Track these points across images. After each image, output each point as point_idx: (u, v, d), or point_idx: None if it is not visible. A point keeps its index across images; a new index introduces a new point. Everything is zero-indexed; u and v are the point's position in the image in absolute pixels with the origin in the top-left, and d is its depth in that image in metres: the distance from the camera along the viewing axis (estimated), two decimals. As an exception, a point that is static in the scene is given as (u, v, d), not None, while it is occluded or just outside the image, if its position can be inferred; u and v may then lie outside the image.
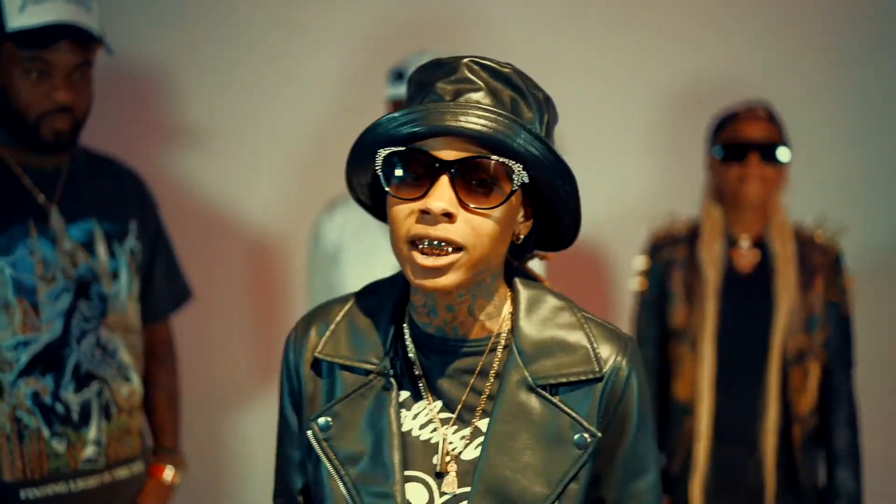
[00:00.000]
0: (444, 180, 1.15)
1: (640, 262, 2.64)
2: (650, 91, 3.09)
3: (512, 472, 1.19)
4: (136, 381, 2.11)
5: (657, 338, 2.60)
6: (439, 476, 1.22)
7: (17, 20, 1.87)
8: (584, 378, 1.22)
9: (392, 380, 1.24)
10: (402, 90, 2.40)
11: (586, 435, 1.21)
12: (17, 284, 1.93)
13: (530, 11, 3.05)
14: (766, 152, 2.46)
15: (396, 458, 1.20)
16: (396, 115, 1.17)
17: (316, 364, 1.28)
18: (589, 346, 1.24)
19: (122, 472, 2.06)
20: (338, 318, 1.29)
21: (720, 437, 2.49)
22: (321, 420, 1.23)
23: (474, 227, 1.16)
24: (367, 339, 1.26)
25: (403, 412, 1.25)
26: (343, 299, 1.33)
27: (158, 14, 2.85)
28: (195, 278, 2.49)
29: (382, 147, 1.18)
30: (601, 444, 1.23)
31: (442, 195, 1.14)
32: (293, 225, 2.98)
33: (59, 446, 1.95)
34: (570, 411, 1.21)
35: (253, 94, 2.96)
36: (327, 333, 1.28)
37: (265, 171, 2.99)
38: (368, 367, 1.24)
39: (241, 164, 2.97)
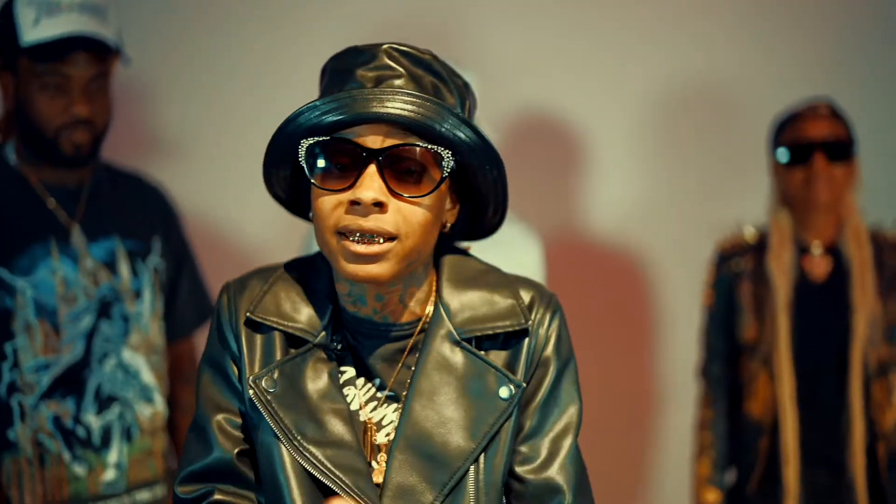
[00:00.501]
0: (371, 169, 1.13)
1: (708, 274, 2.59)
2: (650, 92, 3.06)
3: (434, 425, 1.18)
4: (159, 402, 2.09)
5: (727, 353, 2.54)
6: (371, 455, 1.21)
7: (32, 34, 1.87)
8: (510, 330, 1.23)
9: (333, 353, 1.23)
10: None
11: (511, 387, 1.21)
12: (38, 306, 1.92)
13: (526, 17, 3.03)
14: (833, 151, 2.39)
15: (352, 432, 1.19)
16: (318, 103, 1.14)
17: (250, 324, 1.23)
18: (514, 301, 1.25)
19: (143, 496, 2.04)
20: (270, 283, 1.26)
21: (803, 458, 2.42)
22: (265, 381, 1.19)
23: (405, 215, 1.15)
24: (303, 307, 1.23)
25: (345, 389, 1.23)
26: (265, 270, 1.30)
27: (150, 25, 2.85)
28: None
29: (304, 137, 1.16)
30: (524, 394, 1.24)
31: (371, 184, 1.12)
32: (288, 233, 2.90)
33: (79, 470, 1.94)
34: (495, 364, 1.22)
35: (245, 104, 2.94)
36: (260, 295, 1.24)
37: (255, 181, 2.99)
38: (307, 336, 1.22)
39: (234, 175, 2.89)
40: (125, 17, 2.84)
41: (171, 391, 2.18)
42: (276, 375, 1.20)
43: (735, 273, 2.52)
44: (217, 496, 1.22)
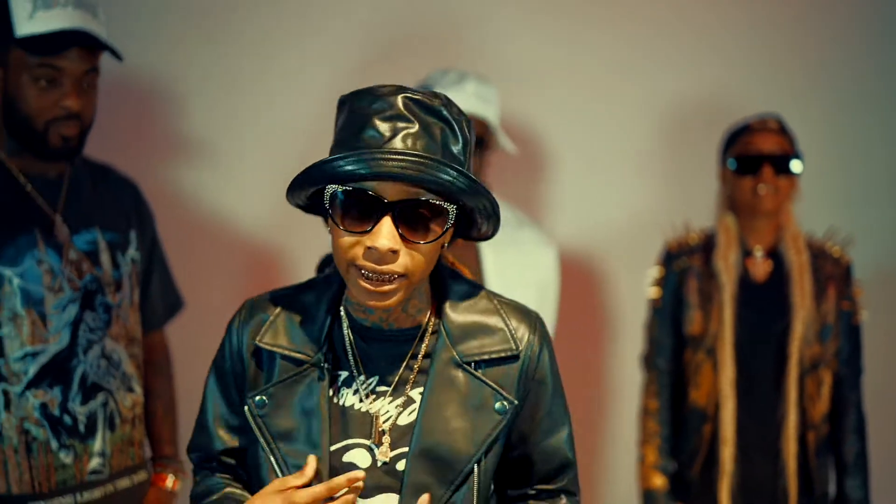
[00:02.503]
0: (387, 220, 1.30)
1: (654, 271, 2.68)
2: (651, 106, 3.15)
3: (443, 434, 1.38)
4: (138, 391, 2.11)
5: (672, 346, 2.64)
6: (373, 445, 1.40)
7: (27, 27, 1.86)
8: (503, 355, 1.43)
9: (325, 370, 1.42)
10: None
11: (505, 403, 1.41)
12: (26, 295, 1.91)
13: (528, 29, 3.10)
14: (779, 164, 2.50)
15: (325, 437, 1.38)
16: (341, 161, 1.30)
17: (257, 351, 1.44)
18: (506, 328, 1.44)
19: (124, 483, 2.06)
20: (276, 311, 1.46)
21: (741, 443, 2.54)
22: (258, 398, 1.41)
23: (413, 257, 1.33)
24: (304, 332, 1.43)
25: (344, 389, 1.42)
26: (283, 292, 1.50)
27: (155, 26, 2.87)
28: (191, 288, 2.50)
29: (328, 181, 1.32)
30: (519, 411, 1.44)
31: (387, 233, 1.30)
32: (286, 235, 3.00)
33: (66, 458, 1.95)
34: (491, 383, 1.42)
35: (248, 106, 2.99)
36: (266, 324, 1.44)
37: (259, 183, 3.02)
38: (303, 357, 1.42)
39: (236, 175, 3.00)
40: (132, 21, 2.83)
41: (144, 381, 2.19)
42: (269, 393, 1.41)
43: (683, 270, 2.62)
44: (217, 476, 1.50)
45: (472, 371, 1.41)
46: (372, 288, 1.32)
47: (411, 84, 2.58)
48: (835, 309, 2.55)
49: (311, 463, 1.36)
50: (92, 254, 2.02)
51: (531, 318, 1.47)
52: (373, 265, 1.31)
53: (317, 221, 2.79)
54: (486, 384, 1.41)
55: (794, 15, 3.14)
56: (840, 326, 2.56)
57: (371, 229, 1.31)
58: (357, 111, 1.34)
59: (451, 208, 1.33)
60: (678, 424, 2.63)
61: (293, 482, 1.35)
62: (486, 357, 1.42)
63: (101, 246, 2.04)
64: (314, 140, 2.98)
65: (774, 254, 2.57)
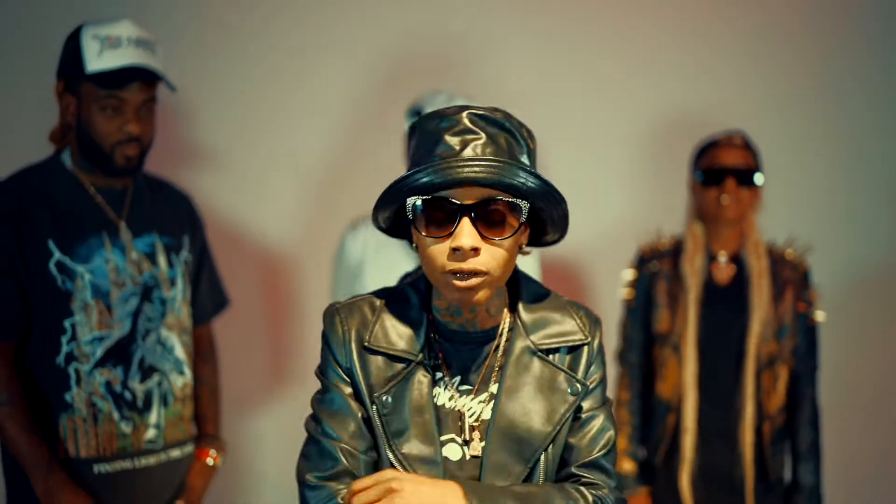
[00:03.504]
0: (466, 221, 1.40)
1: (628, 273, 2.81)
2: (631, 122, 3.27)
3: (520, 415, 1.49)
4: (188, 374, 2.37)
5: (643, 342, 2.77)
6: (465, 440, 1.50)
7: (97, 63, 2.15)
8: (575, 343, 1.54)
9: (428, 368, 1.51)
10: None
11: (578, 385, 1.52)
12: (95, 288, 2.20)
13: (522, 50, 3.22)
14: (742, 177, 2.64)
15: (435, 431, 1.48)
16: (418, 174, 1.42)
17: (363, 351, 1.51)
18: (575, 320, 1.56)
19: (175, 453, 2.32)
20: (374, 316, 1.53)
21: (703, 432, 2.66)
22: (384, 398, 1.49)
23: (493, 255, 1.43)
24: (405, 335, 1.52)
25: (437, 390, 1.52)
26: (368, 299, 1.57)
27: (175, 46, 2.94)
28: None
29: (409, 194, 1.44)
30: (587, 392, 1.54)
31: (467, 233, 1.40)
32: (297, 240, 3.14)
33: (126, 428, 2.22)
34: (564, 368, 1.52)
35: (262, 116, 3.11)
36: (371, 328, 1.52)
37: (273, 189, 3.15)
38: (409, 357, 1.50)
39: (251, 182, 3.13)
40: (173, 44, 2.84)
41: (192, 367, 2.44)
42: (390, 393, 1.49)
43: (653, 273, 2.74)
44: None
45: (546, 357, 1.51)
46: (462, 285, 1.41)
47: (404, 102, 2.79)
48: (792, 310, 2.66)
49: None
50: (150, 255, 2.29)
51: (592, 314, 1.58)
52: (459, 265, 1.40)
53: (325, 229, 3.02)
54: (560, 368, 1.51)
55: (765, 40, 3.29)
56: (797, 326, 2.67)
57: (452, 231, 1.40)
58: (427, 132, 1.44)
59: (524, 204, 1.42)
60: (648, 414, 2.75)
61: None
62: (558, 344, 1.52)
63: (158, 248, 2.32)
64: (323, 149, 3.15)
65: (737, 259, 2.69)
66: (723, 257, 2.73)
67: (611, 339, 2.87)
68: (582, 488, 1.50)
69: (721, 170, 2.64)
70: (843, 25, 3.35)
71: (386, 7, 3.17)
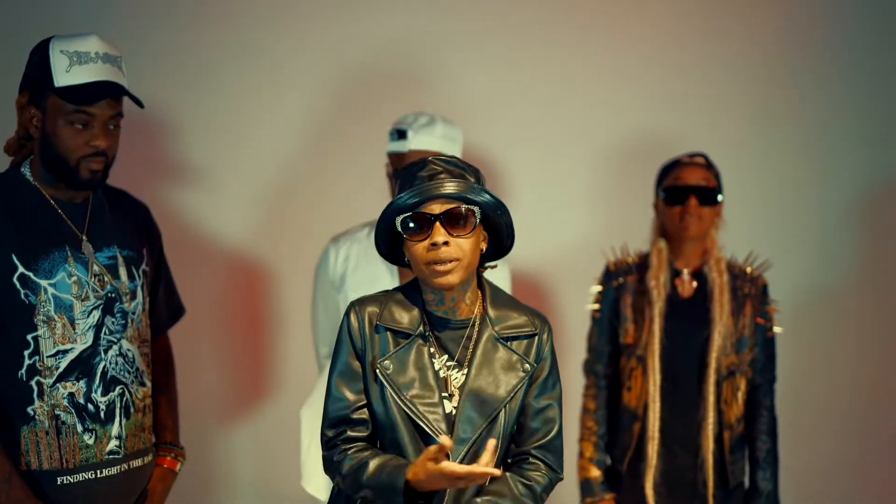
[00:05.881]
0: (437, 225, 1.91)
1: (595, 288, 2.89)
2: (598, 142, 3.37)
3: (486, 384, 1.96)
4: (148, 385, 2.39)
5: (609, 353, 2.85)
6: (449, 397, 1.97)
7: (65, 79, 2.16)
8: (527, 333, 2.02)
9: (426, 337, 1.99)
10: (400, 145, 2.71)
11: (528, 366, 2.00)
12: (58, 302, 2.21)
13: (487, 73, 3.32)
14: (704, 196, 2.73)
15: (434, 382, 1.95)
16: (403, 196, 1.93)
17: (376, 329, 1.98)
18: (528, 317, 2.04)
19: (136, 462, 2.34)
20: (383, 304, 2.00)
21: (666, 440, 2.74)
22: (386, 362, 1.96)
23: (460, 245, 1.92)
24: (406, 316, 1.99)
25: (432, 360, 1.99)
26: (378, 294, 2.04)
27: (145, 64, 3.01)
28: (184, 296, 2.68)
29: (397, 214, 1.93)
30: (534, 372, 2.00)
31: (440, 233, 1.90)
32: (269, 249, 3.18)
33: (89, 440, 2.23)
34: (517, 352, 1.99)
35: (235, 136, 3.17)
36: (382, 310, 1.99)
37: (245, 202, 3.20)
38: (409, 331, 1.98)
39: (227, 196, 3.18)
40: (153, 63, 3.00)
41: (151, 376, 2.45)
42: (392, 358, 1.95)
43: (620, 287, 2.83)
44: (350, 433, 1.96)
45: (506, 343, 1.99)
46: (440, 269, 1.90)
47: (376, 116, 2.92)
48: (751, 323, 2.75)
49: (446, 441, 1.80)
50: (112, 268, 2.30)
51: (541, 315, 2.07)
52: (436, 255, 1.89)
53: (296, 239, 3.06)
54: (515, 352, 1.99)
55: (727, 65, 3.41)
56: (756, 339, 2.76)
57: (430, 234, 1.90)
58: (406, 177, 1.95)
59: (478, 210, 1.93)
60: (613, 423, 2.84)
61: (439, 464, 1.80)
62: (514, 334, 1.99)
63: (119, 261, 2.33)
64: (295, 164, 3.23)
65: (699, 274, 2.79)
66: (686, 272, 2.81)
67: (578, 351, 2.97)
68: (528, 478, 1.98)
69: (683, 188, 2.74)
70: (803, 47, 3.45)
71: (356, 24, 3.24)
